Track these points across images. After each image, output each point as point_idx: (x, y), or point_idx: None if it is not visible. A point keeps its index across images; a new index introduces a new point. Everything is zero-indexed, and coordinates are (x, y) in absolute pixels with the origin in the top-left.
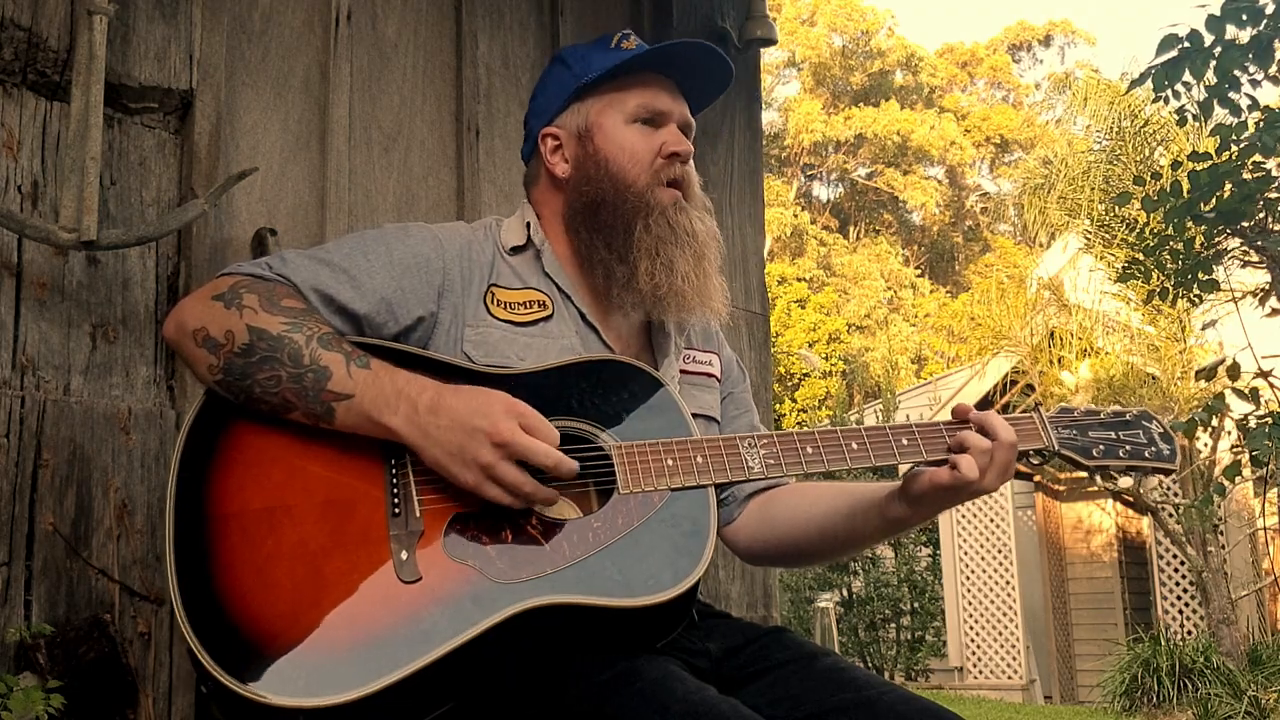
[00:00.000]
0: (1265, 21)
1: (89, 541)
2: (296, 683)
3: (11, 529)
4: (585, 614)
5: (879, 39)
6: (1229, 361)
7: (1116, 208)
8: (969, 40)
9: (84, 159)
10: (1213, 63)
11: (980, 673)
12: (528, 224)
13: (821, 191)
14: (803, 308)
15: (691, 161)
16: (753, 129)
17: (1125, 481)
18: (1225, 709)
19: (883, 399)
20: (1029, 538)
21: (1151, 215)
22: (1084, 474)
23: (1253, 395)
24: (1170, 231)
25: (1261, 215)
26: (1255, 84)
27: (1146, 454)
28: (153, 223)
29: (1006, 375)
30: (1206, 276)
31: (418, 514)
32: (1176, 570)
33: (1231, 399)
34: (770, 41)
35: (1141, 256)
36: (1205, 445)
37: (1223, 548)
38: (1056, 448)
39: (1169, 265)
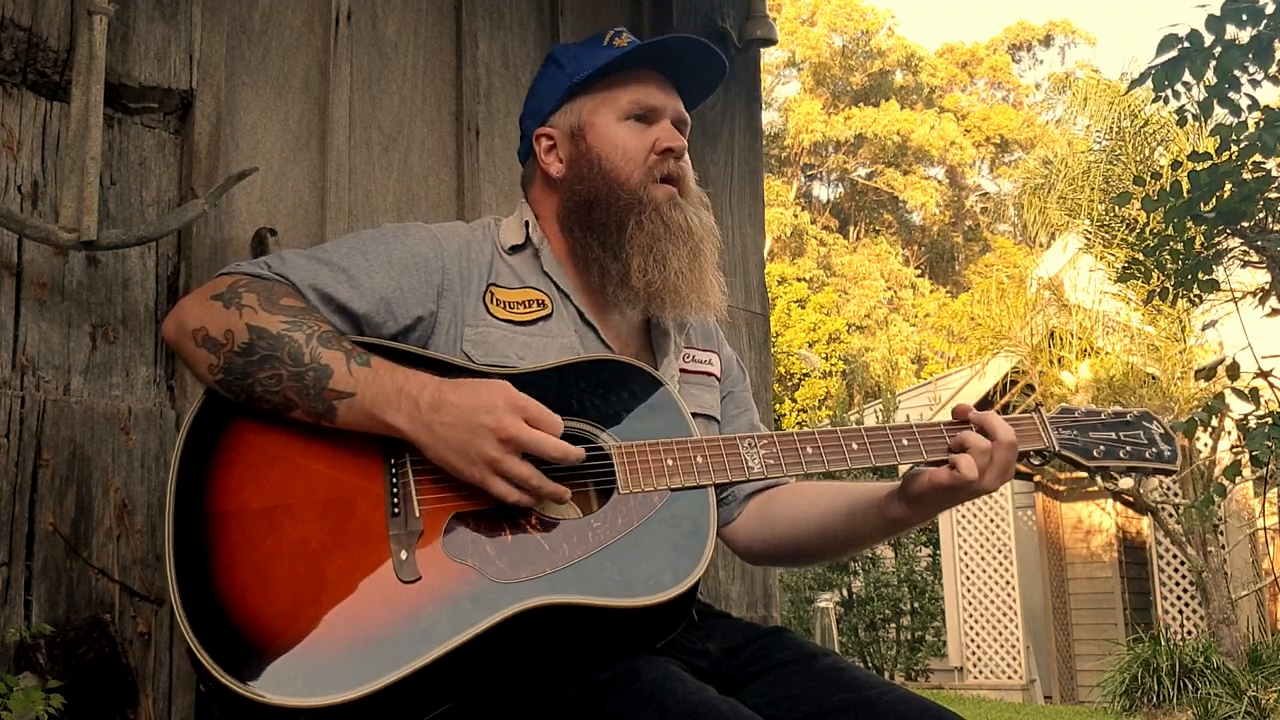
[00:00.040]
0: (1265, 21)
1: (89, 541)
2: (296, 682)
3: (11, 529)
4: (585, 614)
5: (879, 39)
6: (1229, 361)
7: (1116, 208)
8: (969, 40)
9: (84, 159)
10: (1213, 63)
11: (980, 673)
12: (526, 223)
13: (821, 191)
14: (803, 308)
15: (687, 156)
16: (753, 129)
17: (1126, 482)
18: (1225, 709)
19: (883, 399)
20: (1029, 538)
21: (1151, 215)
22: (1084, 474)
23: (1253, 395)
24: (1170, 231)
25: (1261, 215)
26: (1255, 84)
27: (1147, 455)
28: (153, 223)
29: (1006, 375)
30: (1206, 276)
31: (417, 513)
32: (1176, 570)
33: (1231, 399)
34: (770, 41)
35: (1141, 256)
36: (1205, 445)
37: (1223, 548)
38: (1057, 448)
39: (1169, 265)
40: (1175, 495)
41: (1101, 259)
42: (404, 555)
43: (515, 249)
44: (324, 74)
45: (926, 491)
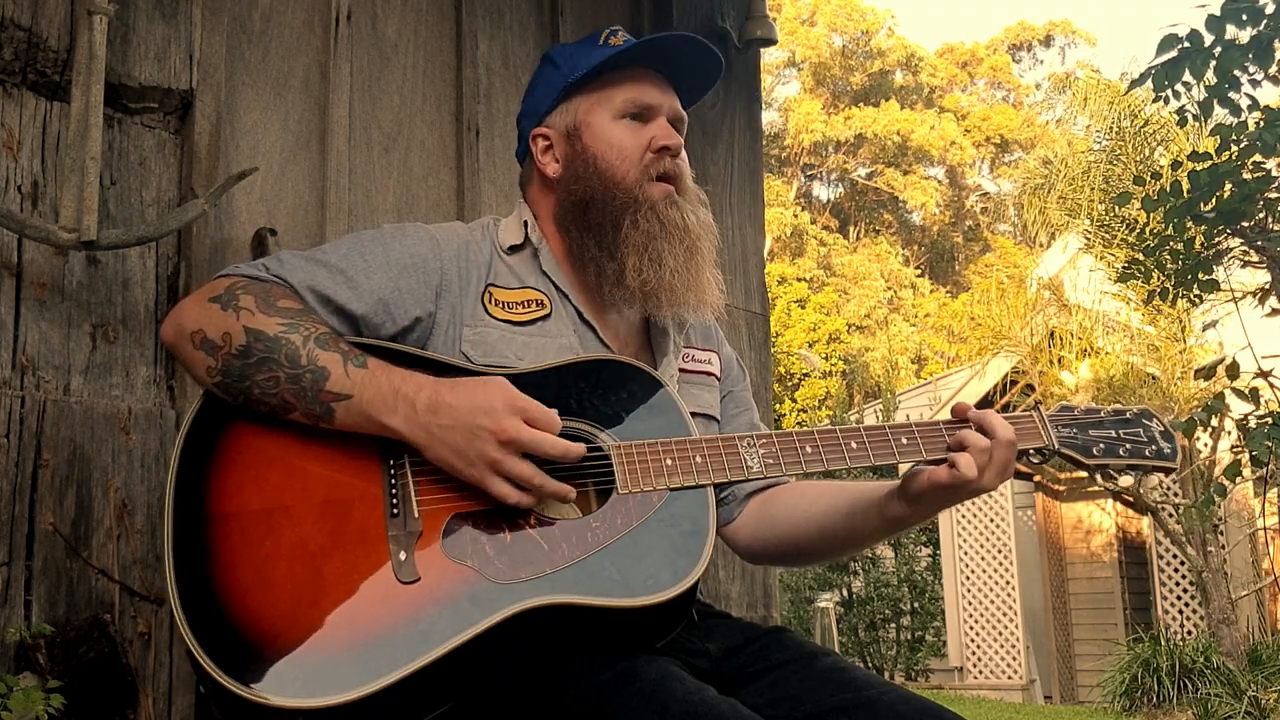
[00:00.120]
0: (1265, 21)
1: (89, 541)
2: (295, 683)
3: (11, 529)
4: (584, 614)
5: (879, 39)
6: (1229, 361)
7: (1116, 208)
8: (969, 40)
9: (84, 159)
10: (1213, 63)
11: (980, 673)
12: (525, 223)
13: (821, 191)
14: (803, 308)
15: (684, 154)
16: (753, 129)
17: (1125, 480)
18: (1225, 709)
19: (883, 399)
20: (1029, 538)
21: (1151, 215)
22: (1084, 474)
23: (1253, 395)
24: (1170, 231)
25: (1261, 215)
26: (1255, 84)
27: (1147, 453)
28: (153, 223)
29: (1006, 375)
30: (1206, 276)
31: (416, 514)
32: (1176, 570)
33: (1231, 399)
34: (770, 41)
35: (1141, 256)
36: (1205, 445)
37: (1223, 548)
38: (1056, 446)
39: (1169, 265)
40: (1175, 495)
41: (1101, 259)
42: (403, 556)
43: (514, 249)
44: (324, 74)
45: (926, 490)
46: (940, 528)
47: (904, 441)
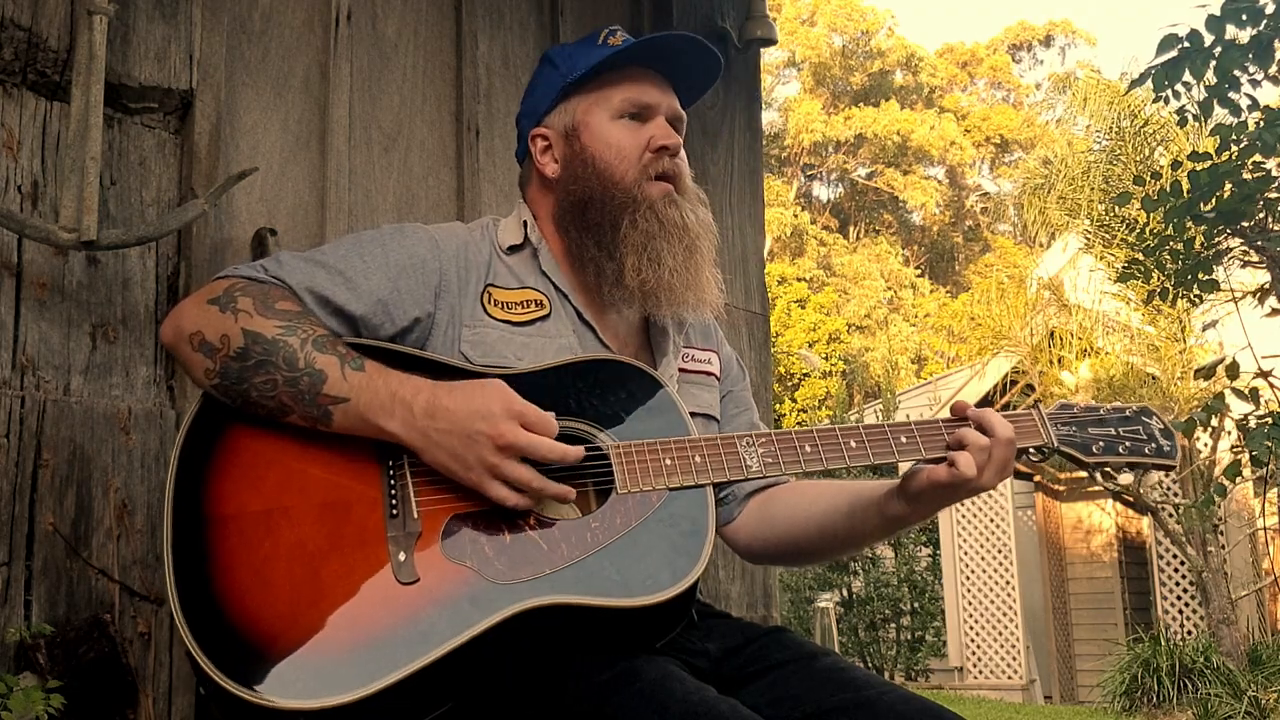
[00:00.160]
0: (1265, 21)
1: (89, 541)
2: (295, 685)
3: (11, 529)
4: (584, 614)
5: (879, 39)
6: (1228, 361)
7: (1116, 208)
8: (969, 40)
9: (84, 159)
10: (1213, 63)
11: (980, 673)
12: (524, 223)
13: (821, 191)
14: (803, 308)
15: (684, 154)
16: (753, 129)
17: (1125, 478)
18: (1225, 709)
19: (883, 399)
20: (1029, 538)
21: (1151, 215)
22: (1084, 473)
23: (1252, 395)
24: (1170, 231)
25: (1261, 215)
26: (1255, 84)
27: (1147, 450)
28: (153, 223)
29: (1006, 375)
30: (1206, 276)
31: (415, 515)
32: (1176, 570)
33: (1231, 399)
34: (770, 41)
35: (1141, 256)
36: (1205, 445)
37: (1223, 548)
38: (1056, 444)
39: (1169, 265)
40: (1175, 495)
41: (1101, 259)
42: (402, 557)
43: (513, 249)
44: (324, 74)
45: (925, 489)
46: (940, 528)
47: (903, 440)
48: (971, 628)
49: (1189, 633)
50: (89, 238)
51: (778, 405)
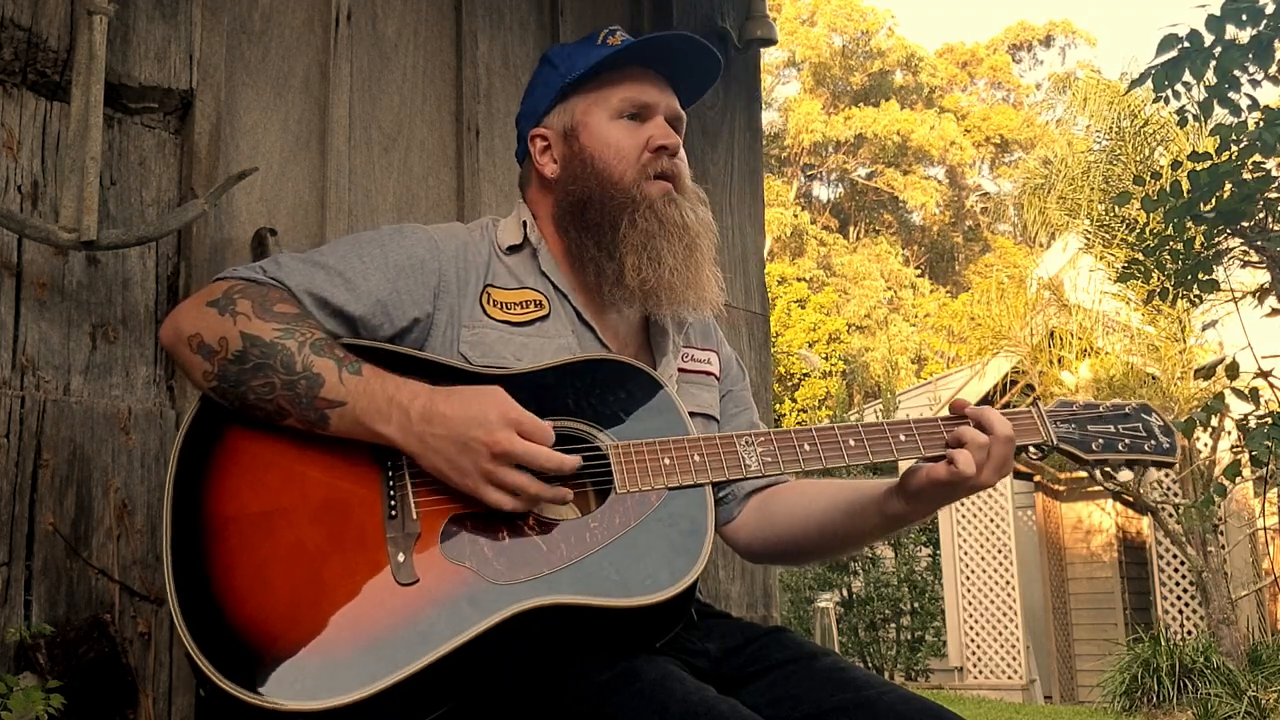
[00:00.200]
0: (1265, 21)
1: (89, 541)
2: (294, 686)
3: (11, 529)
4: (583, 614)
5: (879, 39)
6: (1228, 361)
7: (1116, 208)
8: (969, 40)
9: (84, 159)
10: (1213, 63)
11: (980, 673)
12: (524, 223)
13: (821, 191)
14: (803, 308)
15: (683, 153)
16: (753, 129)
17: (1125, 475)
18: (1225, 709)
19: (883, 399)
20: (1029, 538)
21: (1151, 215)
22: (1084, 473)
23: (1252, 395)
24: (1170, 231)
25: (1261, 215)
26: (1255, 84)
27: (1146, 447)
28: (153, 223)
29: (1006, 375)
30: (1206, 276)
31: (414, 516)
32: (1176, 570)
33: (1231, 399)
34: (770, 41)
35: (1141, 256)
36: (1205, 445)
37: (1223, 548)
38: (1055, 442)
39: (1169, 265)
40: (1175, 495)
41: (1101, 259)
42: (401, 558)
43: (513, 249)
44: (324, 74)
45: (925, 487)
46: (940, 528)
47: (902, 439)
48: (971, 628)
49: (1189, 633)
50: (89, 238)
51: (778, 405)
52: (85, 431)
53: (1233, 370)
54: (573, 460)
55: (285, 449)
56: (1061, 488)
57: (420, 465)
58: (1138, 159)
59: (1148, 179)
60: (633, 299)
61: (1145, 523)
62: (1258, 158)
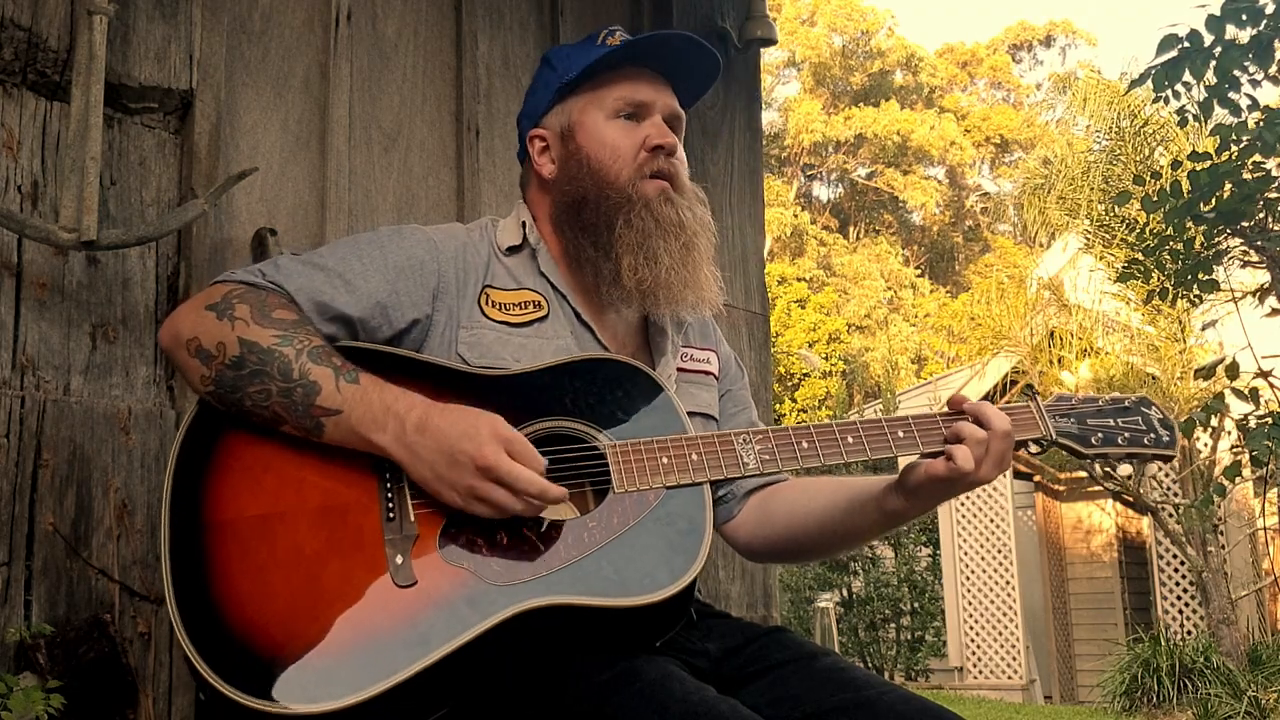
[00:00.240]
0: (1265, 21)
1: (89, 541)
2: (293, 689)
3: (11, 529)
4: (582, 615)
5: (879, 39)
6: (1228, 361)
7: (1116, 208)
8: (969, 40)
9: (84, 159)
10: (1213, 63)
11: (980, 673)
12: (523, 224)
13: (821, 191)
14: (803, 308)
15: (682, 152)
16: (753, 129)
17: (1124, 470)
18: (1225, 709)
19: (883, 399)
20: (1029, 538)
21: (1151, 215)
22: (1084, 473)
23: (1252, 395)
24: (1170, 231)
25: (1261, 215)
26: (1255, 84)
27: (1145, 440)
28: (153, 223)
29: (1006, 375)
30: (1206, 276)
31: (412, 518)
32: (1176, 570)
33: (1231, 399)
34: (770, 41)
35: (1141, 256)
36: (1205, 445)
37: (1223, 548)
38: (1054, 436)
39: (1169, 265)
40: (1175, 495)
41: (1101, 259)
42: (400, 560)
43: (512, 250)
44: (324, 74)
45: (923, 483)
46: (940, 527)
47: (900, 435)
48: (971, 628)
49: (1189, 633)
50: (89, 238)
51: (778, 405)
52: (85, 431)
53: (1233, 370)
54: (556, 491)
55: (283, 452)
56: (1061, 487)
57: (410, 476)
58: (1138, 159)
59: (1148, 179)
60: (630, 299)
61: (1145, 523)
62: (1258, 158)
